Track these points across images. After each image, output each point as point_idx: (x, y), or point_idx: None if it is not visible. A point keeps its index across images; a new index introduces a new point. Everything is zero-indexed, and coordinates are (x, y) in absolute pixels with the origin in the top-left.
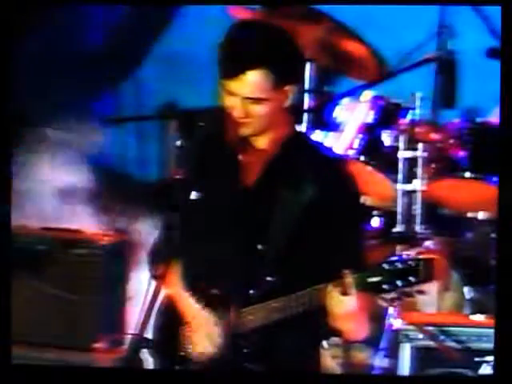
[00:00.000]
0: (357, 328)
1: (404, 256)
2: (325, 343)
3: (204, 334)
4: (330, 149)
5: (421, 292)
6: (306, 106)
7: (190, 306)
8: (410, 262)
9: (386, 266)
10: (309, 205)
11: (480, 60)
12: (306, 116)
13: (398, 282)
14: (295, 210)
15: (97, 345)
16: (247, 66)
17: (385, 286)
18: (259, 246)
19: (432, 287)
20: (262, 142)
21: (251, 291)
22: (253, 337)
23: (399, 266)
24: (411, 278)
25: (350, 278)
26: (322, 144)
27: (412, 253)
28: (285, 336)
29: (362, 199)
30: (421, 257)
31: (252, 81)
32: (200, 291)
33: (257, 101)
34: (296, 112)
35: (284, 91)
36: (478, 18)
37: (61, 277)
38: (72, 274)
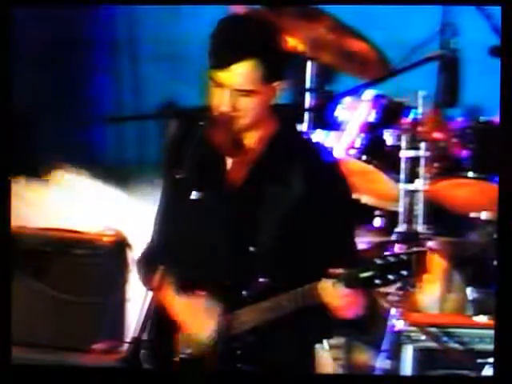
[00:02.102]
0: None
1: (396, 250)
2: (325, 345)
3: (197, 336)
4: (319, 145)
5: (414, 286)
6: (307, 105)
7: (182, 309)
8: (401, 256)
9: (377, 261)
10: (298, 203)
11: (483, 58)
12: (307, 115)
13: (390, 276)
14: (284, 209)
15: (96, 346)
16: (238, 56)
17: (377, 281)
18: (251, 248)
19: (435, 288)
20: (250, 141)
21: (244, 292)
22: (246, 338)
23: (391, 260)
24: (403, 272)
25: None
26: (311, 141)
27: (405, 247)
28: (279, 336)
29: (364, 199)
30: (413, 250)
31: (242, 71)
32: (192, 294)
33: (245, 93)
34: (296, 111)
35: (272, 87)
36: (481, 16)
37: (60, 278)
38: (72, 275)
